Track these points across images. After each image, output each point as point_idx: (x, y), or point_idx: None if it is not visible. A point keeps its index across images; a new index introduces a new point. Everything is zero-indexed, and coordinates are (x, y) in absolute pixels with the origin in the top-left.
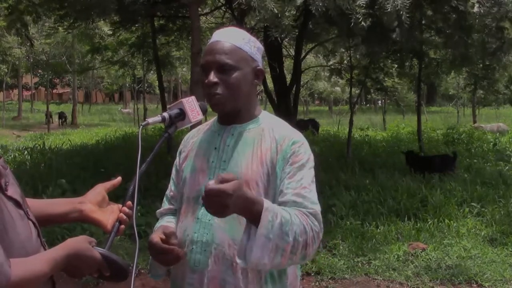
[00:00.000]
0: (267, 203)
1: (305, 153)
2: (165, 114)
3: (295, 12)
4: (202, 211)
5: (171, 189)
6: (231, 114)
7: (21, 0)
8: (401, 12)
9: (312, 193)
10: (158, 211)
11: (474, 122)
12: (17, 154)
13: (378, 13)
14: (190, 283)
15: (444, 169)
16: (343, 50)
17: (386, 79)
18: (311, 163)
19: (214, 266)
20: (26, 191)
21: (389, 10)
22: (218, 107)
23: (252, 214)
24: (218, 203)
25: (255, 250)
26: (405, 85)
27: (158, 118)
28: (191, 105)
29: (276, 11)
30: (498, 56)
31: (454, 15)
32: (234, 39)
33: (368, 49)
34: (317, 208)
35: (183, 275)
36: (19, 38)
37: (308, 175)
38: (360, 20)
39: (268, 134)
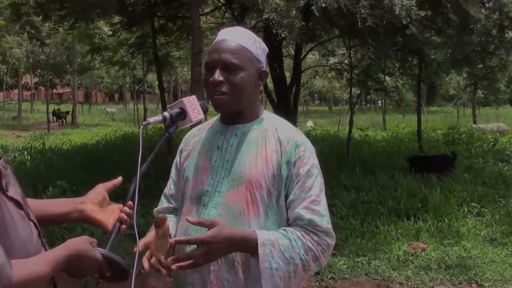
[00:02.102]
0: (261, 237)
1: (309, 157)
2: (166, 114)
3: (295, 11)
4: (205, 211)
5: (170, 187)
6: (234, 114)
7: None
8: (410, 17)
9: (321, 204)
10: (155, 209)
11: (474, 122)
12: (17, 154)
13: (384, 14)
14: (192, 283)
15: (443, 169)
16: (343, 51)
17: (387, 78)
18: (317, 168)
19: (216, 266)
20: (26, 191)
21: (397, 12)
22: (221, 108)
23: (247, 250)
24: (199, 253)
25: (264, 284)
26: (406, 85)
27: (159, 117)
28: (192, 104)
29: (282, 8)
30: (499, 55)
31: (455, 17)
32: (240, 39)
33: (372, 49)
34: (325, 221)
35: (185, 275)
36: (31, 41)
37: (316, 184)
38: (368, 20)
39: (272, 134)
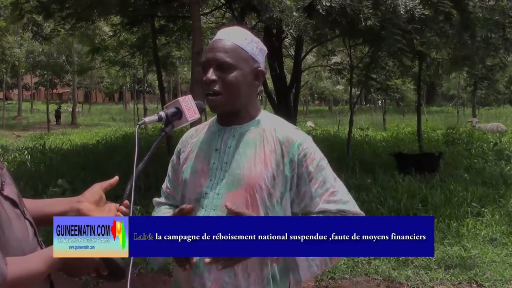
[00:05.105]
0: None
1: (314, 152)
2: (162, 113)
3: (298, 11)
4: (203, 213)
5: (167, 185)
6: (230, 114)
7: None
8: (412, 12)
9: (339, 193)
10: (155, 199)
11: None
12: (17, 154)
13: (387, 14)
14: (192, 285)
15: (429, 168)
16: (344, 50)
17: (389, 78)
18: (324, 160)
19: (216, 268)
20: (26, 191)
21: (401, 12)
22: (216, 109)
23: None
24: None
25: (303, 274)
26: (410, 85)
27: (154, 117)
28: (187, 104)
29: (288, 7)
30: (500, 54)
31: (456, 16)
32: (236, 39)
33: (374, 49)
34: (351, 205)
35: (185, 277)
36: (34, 38)
37: (329, 175)
38: (372, 19)
39: (270, 135)
